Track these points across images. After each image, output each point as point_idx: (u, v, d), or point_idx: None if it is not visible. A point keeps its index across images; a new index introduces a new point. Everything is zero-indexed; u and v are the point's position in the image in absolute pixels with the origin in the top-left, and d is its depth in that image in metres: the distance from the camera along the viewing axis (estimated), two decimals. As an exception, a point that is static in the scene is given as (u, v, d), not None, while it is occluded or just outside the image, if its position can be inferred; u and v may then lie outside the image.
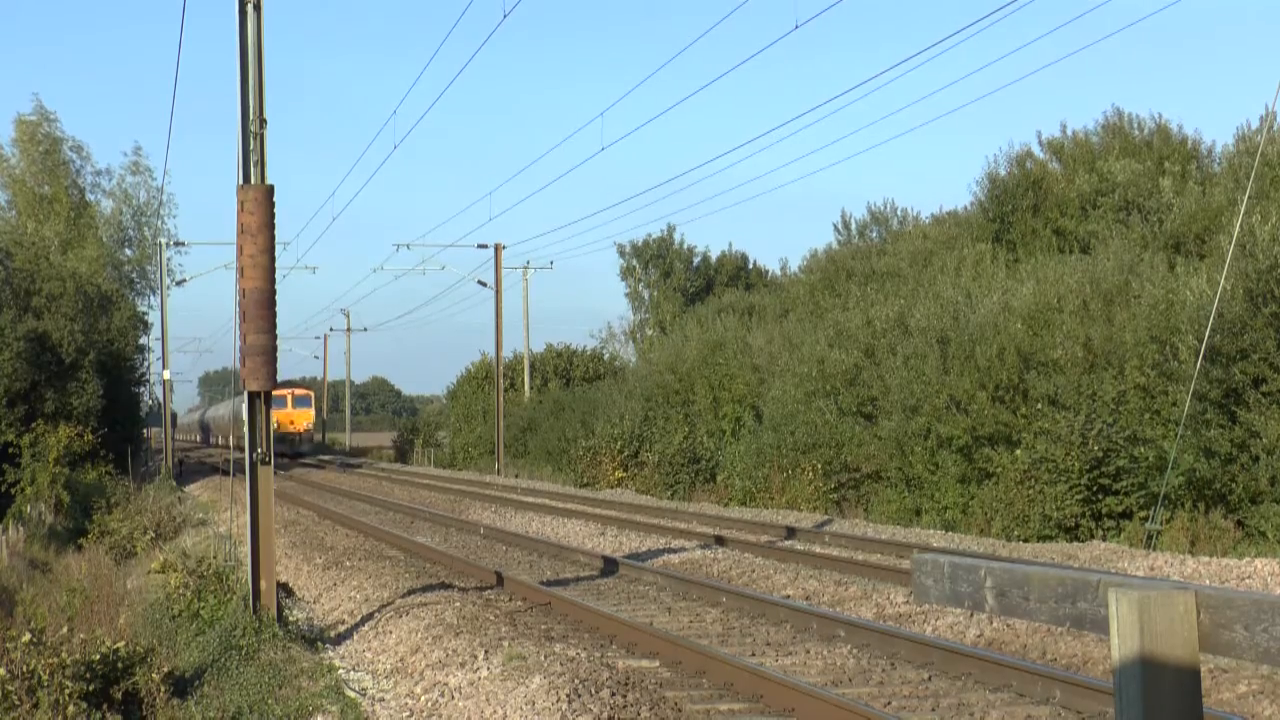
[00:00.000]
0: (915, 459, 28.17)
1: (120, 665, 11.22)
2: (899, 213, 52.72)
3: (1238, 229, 20.36)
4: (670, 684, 10.88)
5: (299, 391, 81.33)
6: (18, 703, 10.47)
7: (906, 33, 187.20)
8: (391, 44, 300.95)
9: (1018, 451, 24.62)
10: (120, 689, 11.08)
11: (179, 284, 58.39)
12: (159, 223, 57.96)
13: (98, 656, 11.10)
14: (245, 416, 13.88)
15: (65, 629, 11.95)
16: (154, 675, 11.23)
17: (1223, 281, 20.05)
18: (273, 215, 13.77)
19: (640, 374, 49.26)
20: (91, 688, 10.76)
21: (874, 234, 52.23)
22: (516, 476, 49.66)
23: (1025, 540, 22.56)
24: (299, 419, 79.95)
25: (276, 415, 73.88)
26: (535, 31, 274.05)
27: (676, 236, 74.07)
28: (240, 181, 13.80)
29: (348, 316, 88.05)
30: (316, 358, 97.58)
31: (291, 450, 76.86)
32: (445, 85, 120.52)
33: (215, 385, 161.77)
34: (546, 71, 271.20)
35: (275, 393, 71.41)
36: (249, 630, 13.04)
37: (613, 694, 10.01)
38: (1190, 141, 37.19)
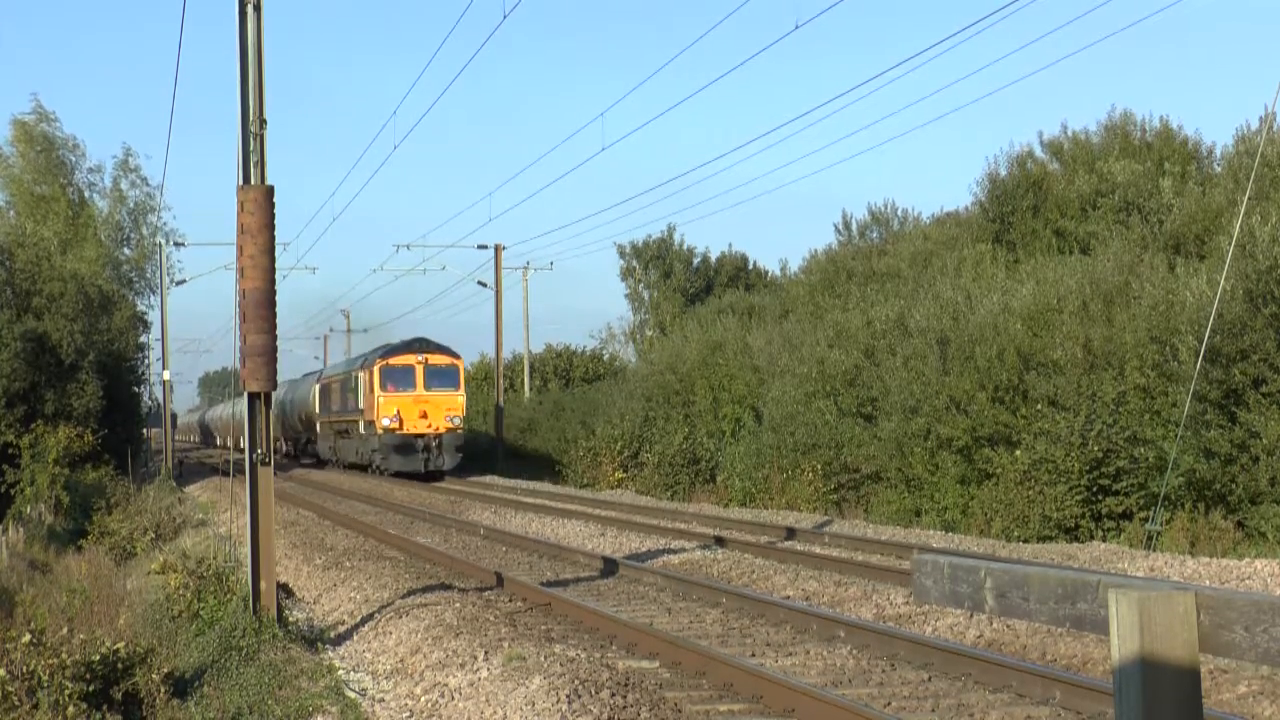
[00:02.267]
0: (915, 460, 28.17)
1: (120, 666, 11.22)
2: (899, 213, 52.72)
3: (1238, 229, 20.36)
4: (670, 684, 10.89)
5: (438, 359, 46.43)
6: (18, 703, 10.48)
7: (906, 33, 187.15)
8: (391, 44, 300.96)
9: (1017, 452, 24.62)
10: (120, 689, 11.08)
11: (178, 283, 58.33)
12: (158, 221, 57.93)
13: (98, 657, 11.11)
14: (247, 417, 13.83)
15: (65, 630, 11.96)
16: (154, 676, 11.23)
17: (1223, 282, 20.05)
18: (273, 216, 13.78)
19: (640, 374, 49.24)
20: (91, 688, 10.76)
21: (874, 234, 52.21)
22: (516, 477, 49.63)
23: (1025, 541, 22.57)
24: (438, 410, 45.19)
25: (395, 403, 44.92)
26: (535, 32, 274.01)
27: (676, 237, 74.08)
28: (240, 182, 13.80)
29: (348, 317, 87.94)
30: (316, 358, 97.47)
31: (426, 467, 44.62)
32: (445, 86, 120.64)
33: (215, 385, 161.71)
34: (547, 72, 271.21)
35: (395, 360, 46.80)
36: (249, 631, 13.04)
37: (613, 694, 10.02)
38: (1190, 142, 37.19)
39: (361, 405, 47.69)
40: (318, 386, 57.71)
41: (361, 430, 48.47)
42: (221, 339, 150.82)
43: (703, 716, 9.85)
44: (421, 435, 44.74)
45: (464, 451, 46.00)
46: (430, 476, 44.73)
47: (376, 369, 45.82)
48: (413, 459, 44.55)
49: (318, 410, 57.38)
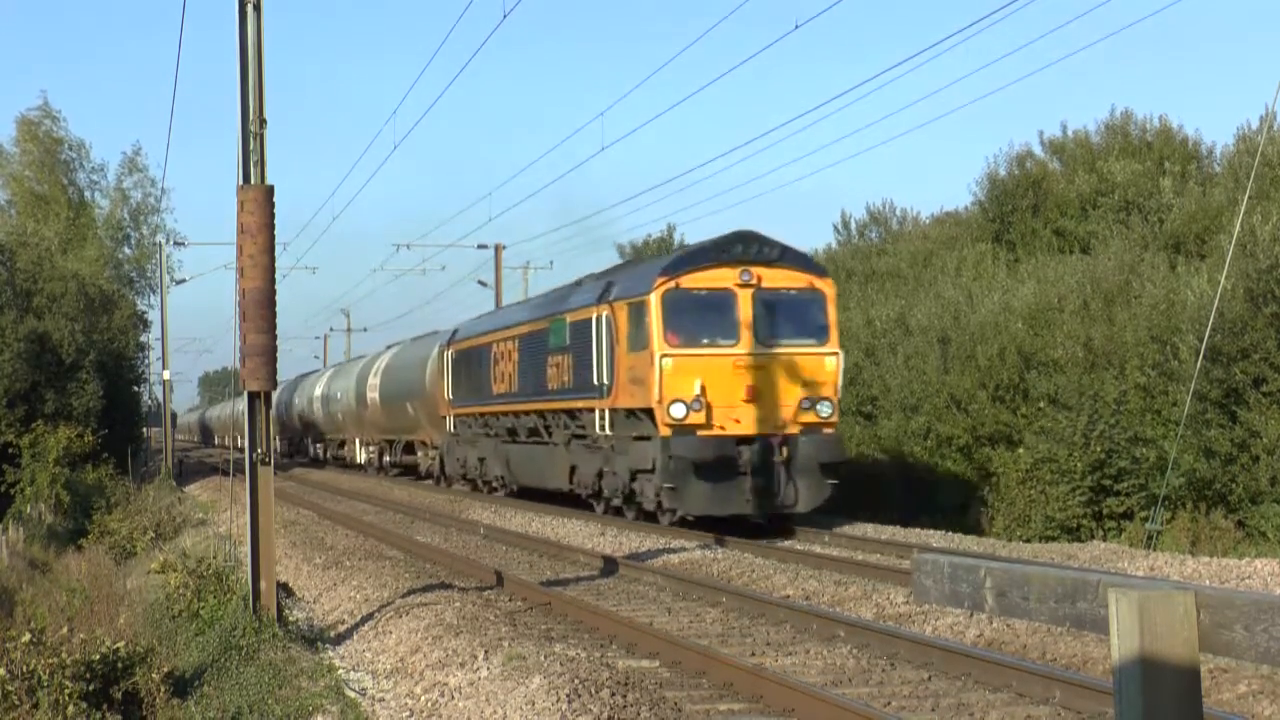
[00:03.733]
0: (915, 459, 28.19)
1: (120, 665, 11.23)
2: (899, 213, 52.70)
3: (1238, 229, 20.38)
4: (670, 684, 10.88)
5: (782, 276, 22.21)
6: (18, 703, 10.49)
7: (906, 33, 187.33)
8: (391, 45, 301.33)
9: (1019, 451, 24.64)
10: (120, 689, 11.09)
11: (179, 283, 58.33)
12: (158, 220, 57.95)
13: (98, 656, 11.12)
14: (246, 416, 13.83)
15: (65, 629, 11.98)
16: (154, 675, 11.24)
17: (1223, 281, 20.07)
18: (273, 215, 13.78)
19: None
20: (91, 688, 10.77)
21: (874, 234, 52.20)
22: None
23: (1026, 541, 22.58)
24: (785, 384, 21.73)
25: (694, 370, 21.63)
26: (535, 32, 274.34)
27: (676, 236, 74.02)
28: (240, 182, 13.80)
29: (348, 316, 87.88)
30: (316, 357, 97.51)
31: (759, 506, 21.62)
32: (445, 85, 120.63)
33: (215, 385, 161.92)
34: (547, 72, 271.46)
35: (693, 278, 21.43)
36: (249, 630, 13.04)
37: (613, 694, 10.02)
38: (1190, 141, 37.23)
39: (601, 377, 23.77)
40: (449, 353, 35.47)
41: (602, 428, 23.96)
42: (221, 339, 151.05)
43: (703, 716, 9.85)
44: (750, 439, 21.56)
45: (836, 473, 22.02)
46: (757, 525, 22.47)
47: (656, 297, 22.06)
48: (730, 490, 21.47)
49: (449, 394, 35.38)
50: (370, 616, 15.10)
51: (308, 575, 19.54)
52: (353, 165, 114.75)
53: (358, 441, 50.45)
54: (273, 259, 13.82)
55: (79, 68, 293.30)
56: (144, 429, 65.67)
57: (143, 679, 11.19)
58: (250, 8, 13.82)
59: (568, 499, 27.37)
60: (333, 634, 14.71)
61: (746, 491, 21.50)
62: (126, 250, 58.88)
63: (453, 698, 10.77)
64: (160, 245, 54.91)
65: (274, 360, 13.80)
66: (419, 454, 42.40)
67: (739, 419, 21.66)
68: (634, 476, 23.15)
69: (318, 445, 60.45)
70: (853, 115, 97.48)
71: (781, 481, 21.60)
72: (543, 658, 11.36)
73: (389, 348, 48.76)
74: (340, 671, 12.28)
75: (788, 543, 21.38)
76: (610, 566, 18.66)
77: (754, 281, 22.01)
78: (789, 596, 15.54)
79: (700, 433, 21.56)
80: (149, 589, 18.22)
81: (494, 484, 32.85)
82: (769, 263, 22.34)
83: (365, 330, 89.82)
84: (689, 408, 21.60)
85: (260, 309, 13.66)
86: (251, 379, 13.65)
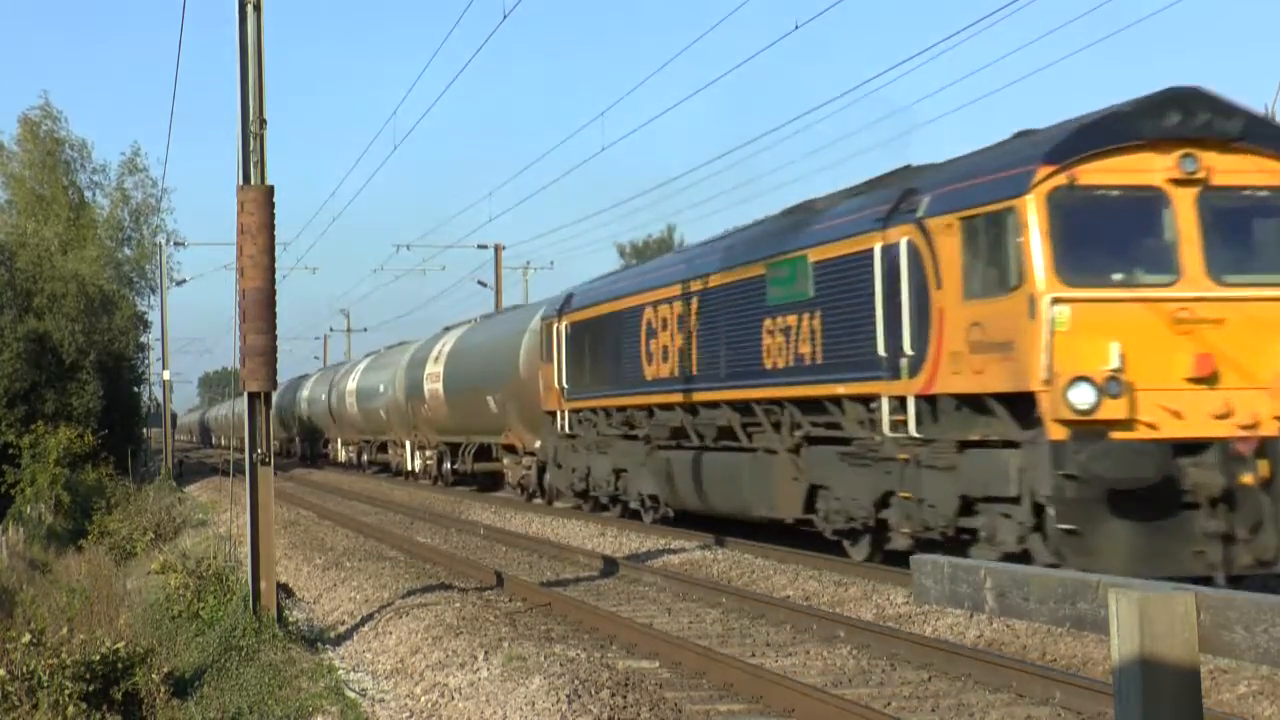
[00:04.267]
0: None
1: (120, 666, 11.23)
2: (899, 213, 52.70)
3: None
4: (670, 684, 10.89)
5: (1246, 167, 13.06)
6: (18, 703, 10.50)
7: (906, 33, 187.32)
8: (391, 45, 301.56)
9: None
10: (120, 689, 11.09)
11: (179, 283, 58.30)
12: (158, 220, 57.87)
13: (97, 657, 11.12)
14: (247, 417, 13.83)
15: (65, 629, 11.98)
16: (154, 676, 11.25)
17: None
18: (273, 216, 13.78)
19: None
20: (91, 688, 10.78)
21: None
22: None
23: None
24: (1256, 350, 12.62)
25: (1098, 324, 12.75)
26: (535, 32, 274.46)
27: (676, 236, 74.13)
28: (240, 182, 13.81)
29: (348, 316, 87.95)
30: (316, 358, 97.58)
31: (1227, 567, 12.31)
32: (445, 85, 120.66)
33: (215, 385, 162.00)
34: (547, 72, 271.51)
35: (1094, 169, 13.04)
36: (249, 631, 13.05)
37: (613, 694, 10.02)
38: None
39: (898, 345, 14.86)
40: (561, 327, 26.51)
41: (895, 426, 15.09)
42: (221, 339, 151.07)
43: (703, 716, 9.85)
44: (1199, 445, 12.69)
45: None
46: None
47: (1037, 201, 13.04)
48: (1172, 533, 12.71)
49: (563, 381, 26.41)
50: (370, 617, 15.10)
51: (308, 576, 19.55)
52: (353, 165, 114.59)
53: (409, 444, 41.86)
54: (273, 259, 13.83)
55: (79, 67, 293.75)
56: (144, 429, 65.57)
57: (143, 679, 11.20)
58: (250, 8, 13.83)
59: (781, 532, 19.92)
60: (333, 634, 14.71)
61: (1199, 537, 12.75)
62: (127, 251, 58.75)
63: (453, 698, 10.78)
64: (160, 246, 54.87)
65: (274, 360, 13.81)
66: (505, 461, 33.36)
67: (1180, 410, 12.93)
68: (968, 507, 14.11)
69: (348, 448, 51.34)
70: (852, 115, 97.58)
71: (1261, 518, 12.70)
72: (543, 658, 11.37)
73: (450, 329, 40.34)
74: (340, 672, 12.28)
75: (788, 543, 20.68)
76: (610, 567, 18.67)
77: (1201, 174, 13.31)
78: (789, 597, 15.54)
79: (1115, 434, 12.80)
80: (149, 589, 18.22)
81: (638, 504, 23.92)
82: (1225, 142, 13.43)
83: (365, 330, 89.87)
84: (1102, 391, 12.81)
85: (260, 309, 13.67)
86: (251, 379, 13.65)
